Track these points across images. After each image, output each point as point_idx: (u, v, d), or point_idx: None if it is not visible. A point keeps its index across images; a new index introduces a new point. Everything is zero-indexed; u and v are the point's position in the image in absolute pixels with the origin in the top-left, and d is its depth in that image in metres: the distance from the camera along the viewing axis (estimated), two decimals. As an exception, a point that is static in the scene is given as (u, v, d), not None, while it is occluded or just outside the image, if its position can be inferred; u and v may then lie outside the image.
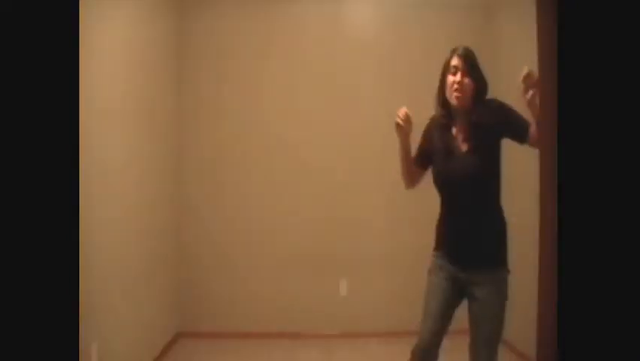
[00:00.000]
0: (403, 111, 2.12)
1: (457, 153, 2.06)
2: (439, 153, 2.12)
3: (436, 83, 3.99)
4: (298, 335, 3.89)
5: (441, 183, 2.12)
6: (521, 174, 3.48)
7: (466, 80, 2.02)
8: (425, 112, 3.96)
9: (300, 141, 3.97)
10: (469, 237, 2.05)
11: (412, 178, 2.24)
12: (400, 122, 2.10)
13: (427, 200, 4.03)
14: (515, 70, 3.61)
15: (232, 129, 3.96)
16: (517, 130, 2.00)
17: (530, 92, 1.81)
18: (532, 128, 1.95)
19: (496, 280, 2.05)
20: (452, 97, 2.04)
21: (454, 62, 2.06)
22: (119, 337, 2.79)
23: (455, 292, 2.10)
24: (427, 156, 2.19)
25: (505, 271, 2.09)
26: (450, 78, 2.05)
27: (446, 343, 2.15)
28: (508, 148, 3.97)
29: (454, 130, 2.09)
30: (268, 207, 3.97)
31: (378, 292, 3.96)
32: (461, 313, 2.17)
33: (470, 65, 2.05)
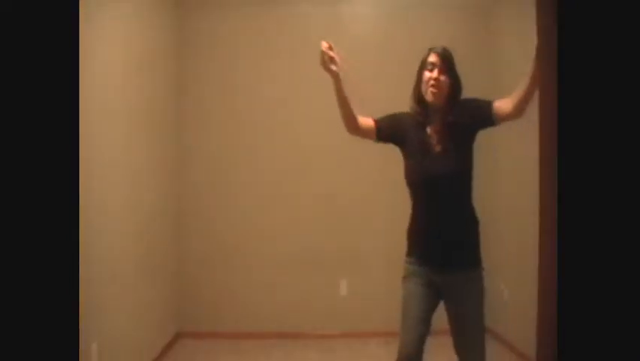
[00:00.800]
0: (325, 45, 2.03)
1: (431, 153, 2.04)
2: (413, 152, 2.09)
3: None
4: (298, 335, 3.89)
5: (415, 183, 2.09)
6: (521, 174, 3.48)
7: (443, 78, 2.02)
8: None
9: (300, 141, 3.98)
10: (444, 238, 2.03)
11: (352, 125, 2.15)
12: (325, 57, 2.02)
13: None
14: (515, 70, 3.61)
15: (232, 129, 3.96)
16: (485, 119, 2.02)
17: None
18: (497, 104, 2.00)
19: (473, 278, 2.05)
20: (428, 93, 2.04)
21: (432, 58, 2.06)
22: (119, 337, 2.79)
23: (433, 297, 2.09)
24: (390, 134, 2.15)
25: (481, 269, 2.08)
26: (426, 74, 2.05)
27: (434, 343, 2.14)
28: (508, 148, 3.97)
29: (428, 129, 2.07)
30: (268, 207, 3.97)
31: (378, 292, 3.96)
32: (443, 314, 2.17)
33: (447, 63, 2.05)
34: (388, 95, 4.03)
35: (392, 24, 4.02)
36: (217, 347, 3.69)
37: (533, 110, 3.18)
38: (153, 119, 3.38)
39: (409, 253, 2.16)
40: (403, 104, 3.88)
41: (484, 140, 3.99)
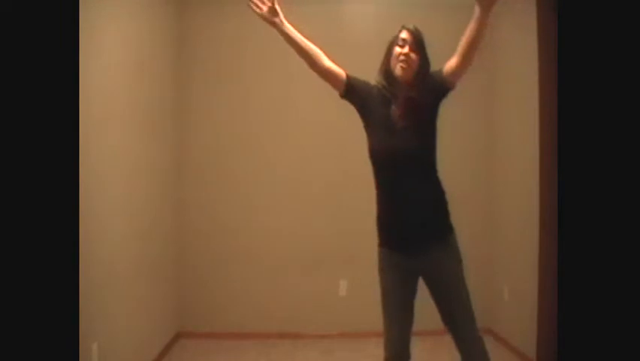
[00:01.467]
0: None
1: (395, 129, 2.03)
2: (376, 127, 2.08)
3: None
4: (298, 335, 3.89)
5: (380, 160, 2.08)
6: (522, 175, 3.48)
7: (413, 55, 2.03)
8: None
9: (300, 141, 3.97)
10: (414, 219, 2.02)
11: (312, 63, 2.11)
12: (259, 9, 2.03)
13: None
14: (515, 70, 3.62)
15: (232, 129, 3.96)
16: (440, 87, 2.05)
17: None
18: (445, 66, 2.03)
19: (447, 246, 2.06)
20: (397, 68, 2.04)
21: (404, 35, 2.07)
22: (119, 337, 2.79)
23: (412, 282, 2.10)
24: (358, 97, 2.13)
25: (453, 235, 2.08)
26: (397, 49, 2.05)
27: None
28: (508, 148, 3.97)
29: (393, 105, 2.06)
30: (268, 207, 3.97)
31: (378, 293, 3.95)
32: (429, 313, 2.17)
33: (418, 41, 2.07)
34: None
35: (392, 24, 4.00)
36: (217, 347, 3.69)
37: (533, 111, 3.20)
38: (153, 119, 3.38)
39: (383, 243, 2.15)
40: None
41: (485, 140, 4.00)
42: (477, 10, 1.99)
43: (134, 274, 3.03)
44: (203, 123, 3.96)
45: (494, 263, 3.90)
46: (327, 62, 2.12)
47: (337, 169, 3.98)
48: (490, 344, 3.70)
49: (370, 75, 4.40)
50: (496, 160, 3.93)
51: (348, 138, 4.01)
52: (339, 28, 3.95)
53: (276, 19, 2.07)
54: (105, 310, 2.61)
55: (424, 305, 3.69)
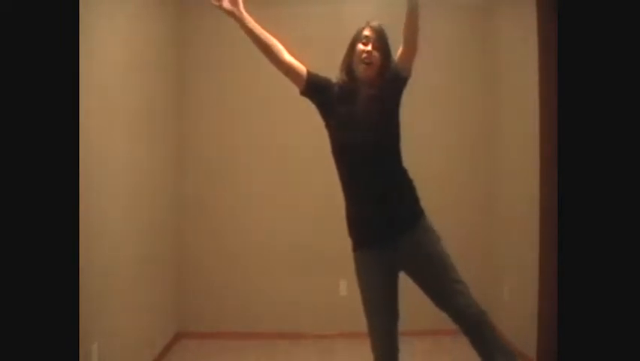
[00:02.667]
0: None
1: (358, 126, 2.02)
2: (339, 125, 2.07)
3: (436, 82, 4.02)
4: (298, 335, 3.89)
5: (343, 157, 2.08)
6: (521, 174, 3.48)
7: (376, 53, 2.02)
8: (426, 111, 3.98)
9: (301, 141, 3.97)
10: (384, 213, 2.02)
11: (271, 57, 2.09)
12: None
13: (426, 200, 4.04)
14: (515, 70, 3.62)
15: (232, 129, 3.96)
16: (396, 79, 2.04)
17: None
18: (397, 56, 2.02)
19: (422, 230, 2.05)
20: (360, 66, 2.03)
21: (367, 32, 2.05)
22: (119, 337, 2.79)
23: (393, 282, 2.09)
24: (319, 93, 2.10)
25: (425, 219, 2.09)
26: (360, 47, 2.03)
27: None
28: (509, 148, 3.97)
29: (354, 103, 2.04)
30: (268, 207, 3.97)
31: (378, 292, 3.95)
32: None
33: (382, 39, 2.05)
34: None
35: (392, 24, 4.01)
36: (217, 347, 3.69)
37: (534, 110, 3.19)
38: (153, 119, 3.38)
39: (356, 245, 2.14)
40: (403, 103, 3.85)
41: (485, 140, 4.00)
42: None
43: (134, 273, 3.03)
44: (203, 123, 3.96)
45: (494, 263, 3.90)
46: (288, 57, 2.10)
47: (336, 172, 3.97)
48: (490, 344, 3.72)
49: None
50: (496, 160, 3.93)
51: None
52: (339, 28, 3.95)
53: (235, 10, 2.01)
54: (105, 310, 2.61)
55: (424, 305, 3.69)
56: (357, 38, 2.07)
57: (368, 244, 2.08)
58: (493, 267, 3.90)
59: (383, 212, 2.02)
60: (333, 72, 4.36)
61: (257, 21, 4.11)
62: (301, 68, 2.10)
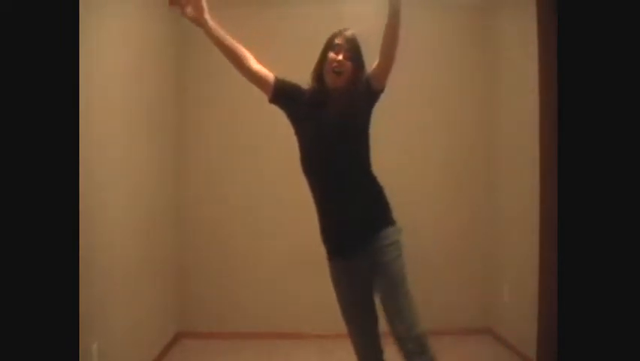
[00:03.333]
0: None
1: (327, 136, 1.98)
2: (308, 135, 2.04)
3: (436, 82, 4.01)
4: (298, 335, 3.89)
5: (311, 168, 2.05)
6: (521, 174, 3.48)
7: (347, 62, 1.98)
8: (425, 110, 3.98)
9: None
10: (352, 219, 1.99)
11: (238, 65, 2.06)
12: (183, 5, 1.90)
13: (425, 199, 4.04)
14: (515, 70, 3.62)
15: (233, 129, 3.96)
16: (369, 92, 2.00)
17: None
18: (371, 69, 1.97)
19: (387, 242, 2.00)
20: (330, 75, 1.98)
21: (339, 40, 2.00)
22: (119, 337, 2.79)
23: (367, 286, 2.06)
24: (288, 101, 2.08)
25: (395, 230, 2.05)
26: (331, 55, 1.98)
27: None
28: (509, 148, 3.97)
29: (325, 112, 2.00)
30: (268, 207, 3.96)
31: (378, 292, 3.95)
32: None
33: (354, 48, 2.00)
34: (388, 94, 4.04)
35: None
36: (217, 347, 3.69)
37: (534, 109, 3.19)
38: (153, 120, 3.38)
39: (329, 255, 2.13)
40: (403, 101, 3.89)
41: (485, 140, 4.00)
42: (389, 7, 1.97)
43: (134, 274, 3.03)
44: (203, 123, 3.95)
45: (494, 263, 3.90)
46: (255, 65, 2.06)
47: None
48: (490, 344, 3.73)
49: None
50: (496, 160, 3.93)
51: (350, 138, 4.02)
52: (339, 28, 3.95)
53: (200, 18, 1.94)
54: (105, 310, 2.61)
55: (424, 305, 3.67)
56: (329, 46, 2.01)
57: (339, 252, 2.08)
58: (493, 267, 3.90)
59: (350, 222, 2.00)
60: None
61: (257, 21, 4.11)
62: (268, 75, 2.07)
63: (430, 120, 3.98)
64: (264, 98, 4.24)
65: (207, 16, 1.96)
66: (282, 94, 2.07)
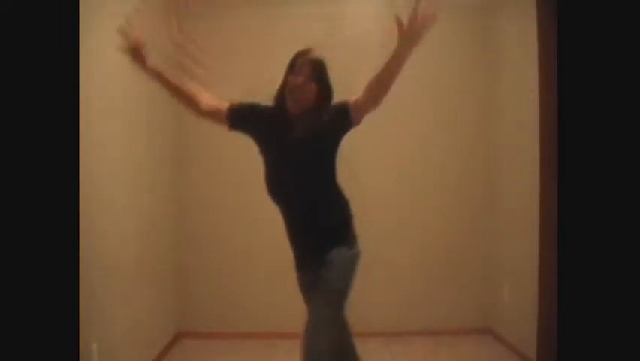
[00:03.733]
0: (131, 40, 1.87)
1: (290, 162, 1.94)
2: (271, 159, 2.00)
3: (436, 82, 4.02)
4: (298, 335, 3.88)
5: (273, 189, 2.03)
6: (521, 174, 3.48)
7: (307, 87, 1.90)
8: (425, 111, 3.98)
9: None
10: (312, 237, 2.01)
11: (192, 108, 2.00)
12: (133, 55, 1.87)
13: (425, 199, 4.04)
14: (515, 70, 3.62)
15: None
16: (342, 122, 1.91)
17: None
18: (352, 101, 1.90)
19: (337, 260, 1.97)
20: (288, 98, 1.91)
21: (301, 62, 1.92)
22: (119, 337, 2.79)
23: None
24: (247, 125, 2.03)
25: (349, 251, 2.02)
26: (291, 78, 1.91)
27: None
28: (509, 148, 3.96)
29: (286, 136, 1.93)
30: (269, 206, 3.96)
31: (377, 293, 3.95)
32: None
33: (317, 70, 1.92)
34: (388, 95, 4.04)
35: (392, 23, 4.01)
36: (217, 347, 3.69)
37: (534, 109, 3.20)
38: (153, 119, 3.38)
39: (297, 269, 2.21)
40: (403, 101, 3.88)
41: (485, 139, 4.00)
42: (397, 45, 1.81)
43: (134, 274, 3.03)
44: (203, 123, 3.95)
45: (494, 263, 3.90)
46: (206, 101, 2.00)
47: (338, 169, 3.98)
48: (490, 344, 3.73)
49: (369, 74, 4.40)
50: (495, 160, 3.93)
51: (349, 138, 4.02)
52: (339, 28, 3.95)
53: (143, 64, 1.92)
54: (105, 310, 2.61)
55: (424, 306, 3.74)
56: (290, 68, 1.94)
57: (300, 267, 2.15)
58: (493, 267, 3.90)
59: (307, 242, 2.03)
60: (332, 71, 4.36)
61: (258, 20, 4.11)
62: (221, 105, 2.00)
63: (429, 120, 3.98)
64: (263, 97, 4.23)
65: (153, 63, 1.93)
66: (239, 119, 2.02)
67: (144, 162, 3.21)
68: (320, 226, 1.98)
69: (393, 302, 3.92)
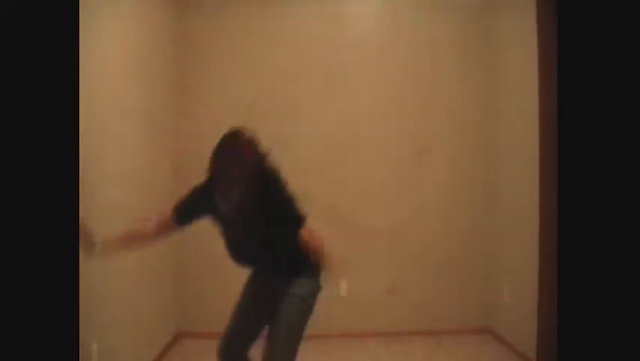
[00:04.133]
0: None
1: (237, 227, 2.06)
2: (220, 226, 2.14)
3: (435, 82, 4.01)
4: (298, 335, 3.89)
5: (231, 257, 2.19)
6: (521, 174, 3.48)
7: (232, 163, 2.05)
8: (425, 111, 3.98)
9: (301, 140, 3.97)
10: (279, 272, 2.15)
11: (157, 239, 2.15)
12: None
13: (425, 199, 4.04)
14: (515, 70, 3.62)
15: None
16: (284, 223, 2.05)
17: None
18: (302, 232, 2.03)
19: (291, 292, 2.11)
20: (220, 184, 2.04)
21: (223, 158, 2.09)
22: (119, 337, 2.79)
23: (263, 307, 2.31)
24: (194, 216, 2.19)
25: (305, 281, 2.14)
26: (222, 184, 2.06)
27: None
28: (509, 148, 3.96)
29: (230, 200, 2.05)
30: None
31: (378, 292, 3.95)
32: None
33: (231, 149, 2.09)
34: (389, 95, 4.05)
35: (392, 23, 4.02)
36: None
37: (534, 110, 3.19)
38: (153, 119, 3.38)
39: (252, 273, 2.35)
40: (403, 101, 3.88)
41: (485, 139, 4.00)
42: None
43: (134, 274, 3.03)
44: (203, 122, 3.95)
45: (494, 263, 3.90)
46: (156, 228, 2.12)
47: (337, 170, 3.98)
48: (490, 344, 3.73)
49: (370, 74, 4.38)
50: (496, 160, 3.93)
51: (349, 138, 4.02)
52: (338, 27, 3.95)
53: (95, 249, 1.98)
54: (105, 311, 2.61)
55: (424, 306, 3.73)
56: (216, 155, 2.13)
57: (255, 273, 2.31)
58: (493, 267, 3.90)
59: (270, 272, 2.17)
60: (332, 71, 4.36)
61: (259, 19, 4.09)
62: (165, 222, 2.12)
63: (429, 120, 3.98)
64: (263, 97, 4.25)
65: (101, 248, 1.99)
66: (185, 218, 2.16)
67: (144, 161, 3.21)
68: (281, 267, 2.12)
69: (394, 302, 3.92)
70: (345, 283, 3.99)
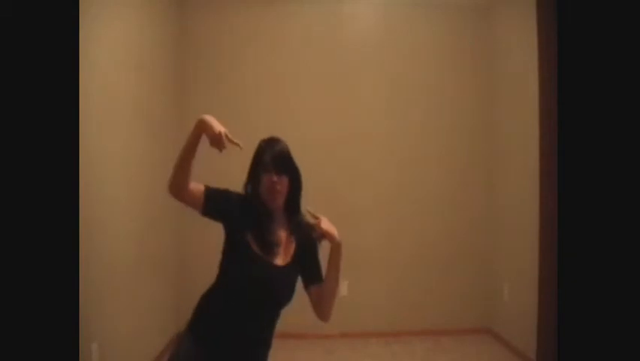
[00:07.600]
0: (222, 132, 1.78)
1: (268, 261, 1.75)
2: (245, 254, 1.77)
3: (435, 82, 4.02)
4: (299, 335, 3.89)
5: (240, 291, 1.80)
6: (521, 175, 3.48)
7: (281, 181, 1.80)
8: (424, 111, 3.98)
9: (301, 140, 3.97)
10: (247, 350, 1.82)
11: (181, 185, 1.88)
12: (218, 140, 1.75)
13: (425, 200, 4.04)
14: (515, 70, 3.62)
15: (232, 129, 3.95)
16: (308, 276, 1.87)
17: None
18: (314, 286, 1.86)
19: None
20: (268, 197, 1.78)
21: (267, 158, 1.83)
22: (119, 337, 2.79)
23: None
24: (220, 213, 1.85)
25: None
26: (264, 177, 1.81)
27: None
28: (509, 147, 3.96)
29: (270, 232, 1.77)
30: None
31: (378, 292, 3.95)
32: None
33: (284, 161, 1.85)
34: (389, 95, 4.05)
35: (393, 23, 4.02)
36: (217, 347, 3.68)
37: (534, 110, 3.19)
38: (153, 119, 3.38)
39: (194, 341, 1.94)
40: (404, 101, 3.87)
41: (485, 140, 4.00)
42: (330, 256, 1.82)
43: (134, 274, 3.03)
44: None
45: (494, 263, 3.90)
46: (190, 185, 1.87)
47: (338, 170, 3.98)
48: (490, 344, 3.73)
49: (371, 74, 4.39)
50: (496, 160, 3.93)
51: (349, 139, 4.02)
52: (339, 27, 3.95)
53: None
54: (105, 310, 2.61)
55: (424, 306, 3.72)
56: (259, 164, 1.85)
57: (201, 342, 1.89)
58: (493, 267, 3.90)
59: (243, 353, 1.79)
60: (332, 71, 4.35)
61: (260, 19, 4.09)
62: (198, 191, 1.87)
63: (429, 120, 3.99)
64: (263, 97, 4.25)
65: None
66: (213, 208, 1.86)
67: (144, 161, 3.21)
68: (264, 339, 1.89)
69: (394, 302, 3.92)
70: (345, 283, 3.99)
